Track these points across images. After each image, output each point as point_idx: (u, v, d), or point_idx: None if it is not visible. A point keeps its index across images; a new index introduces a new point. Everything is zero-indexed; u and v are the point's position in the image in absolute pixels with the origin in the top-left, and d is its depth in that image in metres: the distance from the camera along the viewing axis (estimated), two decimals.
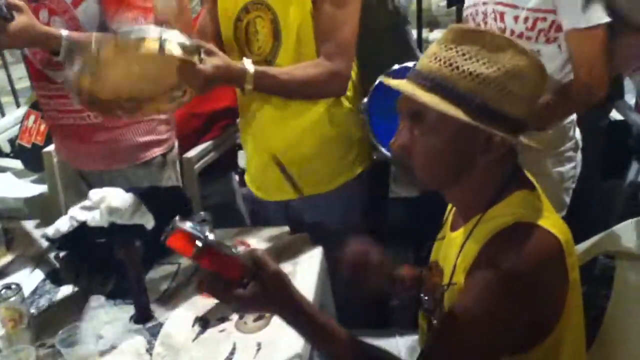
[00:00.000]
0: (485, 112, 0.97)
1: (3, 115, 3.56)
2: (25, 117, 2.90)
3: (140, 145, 1.77)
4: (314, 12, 1.52)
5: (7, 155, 3.23)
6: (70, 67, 1.32)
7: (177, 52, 1.26)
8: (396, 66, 1.65)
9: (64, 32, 1.49)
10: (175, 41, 1.26)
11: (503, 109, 0.98)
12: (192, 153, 2.15)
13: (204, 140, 2.25)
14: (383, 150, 1.69)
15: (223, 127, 2.30)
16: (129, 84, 1.34)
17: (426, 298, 1.17)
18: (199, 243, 0.88)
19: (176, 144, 1.90)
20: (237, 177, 2.55)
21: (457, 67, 0.98)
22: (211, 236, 0.90)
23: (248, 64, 1.43)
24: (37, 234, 1.77)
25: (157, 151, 1.81)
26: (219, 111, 2.26)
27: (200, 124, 2.25)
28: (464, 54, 0.98)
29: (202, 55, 1.33)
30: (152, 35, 1.25)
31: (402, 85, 1.02)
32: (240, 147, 2.55)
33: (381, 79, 1.23)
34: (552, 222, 1.00)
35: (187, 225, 0.90)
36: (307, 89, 1.53)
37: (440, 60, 1.00)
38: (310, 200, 1.73)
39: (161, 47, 1.24)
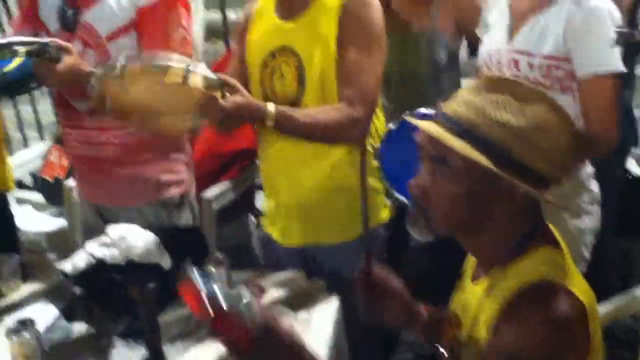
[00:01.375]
0: (510, 162, 0.96)
1: (27, 147, 3.63)
2: (49, 151, 2.95)
3: (158, 183, 1.79)
4: (338, 57, 1.54)
5: (28, 188, 3.27)
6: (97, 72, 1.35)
7: (200, 84, 1.29)
8: (423, 110, 1.65)
9: (98, 69, 1.52)
10: (200, 74, 1.29)
11: (528, 161, 0.97)
12: (210, 193, 2.17)
13: (222, 181, 2.27)
14: (398, 196, 1.68)
15: (242, 168, 2.32)
16: (147, 103, 1.36)
17: (443, 351, 1.14)
18: (207, 305, 0.87)
19: (194, 184, 1.91)
20: (253, 219, 2.56)
21: (486, 115, 0.97)
22: (220, 289, 0.88)
23: (270, 104, 1.46)
24: (54, 267, 1.78)
25: (175, 191, 1.82)
26: (238, 152, 2.28)
27: (219, 164, 2.28)
28: (494, 102, 0.98)
29: (225, 92, 1.36)
30: (177, 64, 1.28)
31: (431, 127, 1.00)
32: (258, 189, 2.57)
33: (406, 117, 1.21)
34: (577, 284, 0.98)
35: (198, 280, 0.89)
36: (325, 132, 1.54)
37: (469, 106, 0.99)
38: (328, 247, 1.71)
39: (185, 77, 1.26)
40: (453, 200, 1.01)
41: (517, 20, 1.63)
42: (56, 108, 1.82)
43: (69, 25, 1.68)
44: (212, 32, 4.16)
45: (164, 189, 1.80)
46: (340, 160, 1.66)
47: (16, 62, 1.53)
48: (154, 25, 1.63)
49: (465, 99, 1.01)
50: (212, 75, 1.32)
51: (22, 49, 1.43)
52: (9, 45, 1.42)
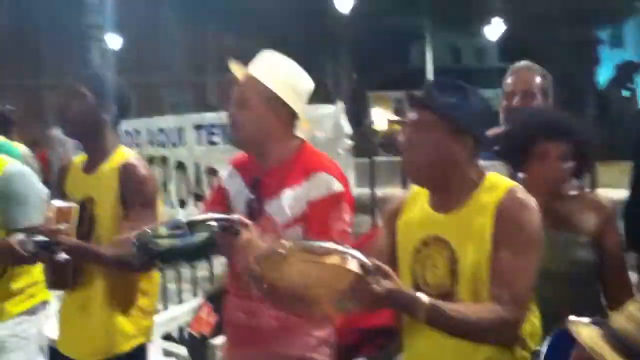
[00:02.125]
0: None
1: (180, 302, 3.88)
2: (200, 307, 3.14)
3: (298, 358, 1.83)
4: (492, 256, 1.53)
5: (175, 341, 3.46)
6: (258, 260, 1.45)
7: (356, 269, 1.34)
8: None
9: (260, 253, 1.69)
10: (357, 258, 1.34)
11: None
12: None
13: (358, 356, 2.24)
14: None
15: (381, 346, 2.29)
16: (302, 283, 1.41)
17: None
18: None
19: None
20: None
21: None
22: None
23: (423, 296, 1.45)
24: None
25: None
26: (377, 329, 2.27)
27: (358, 339, 2.27)
28: None
29: (378, 276, 1.38)
30: (337, 249, 1.35)
31: (592, 341, 0.98)
32: None
33: (570, 325, 1.16)
34: None
35: None
36: (475, 332, 1.50)
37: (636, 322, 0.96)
38: None
39: (344, 260, 1.32)
40: None
41: None
42: (228, 278, 1.99)
43: (254, 214, 1.88)
44: (358, 207, 4.40)
45: None
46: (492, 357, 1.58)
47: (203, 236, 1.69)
48: (319, 216, 1.80)
49: (633, 313, 0.98)
50: (367, 260, 1.36)
51: (215, 225, 1.63)
52: (205, 221, 1.64)
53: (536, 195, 1.96)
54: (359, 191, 3.42)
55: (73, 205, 2.08)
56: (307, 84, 1.94)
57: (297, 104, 1.89)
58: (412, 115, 1.63)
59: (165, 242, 1.64)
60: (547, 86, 2.36)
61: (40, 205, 2.23)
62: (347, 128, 3.07)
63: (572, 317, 1.34)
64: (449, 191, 1.63)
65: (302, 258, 1.32)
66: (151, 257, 1.71)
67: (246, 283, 1.87)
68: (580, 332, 0.99)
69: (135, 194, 2.06)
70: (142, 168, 2.13)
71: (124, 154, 2.14)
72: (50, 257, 1.98)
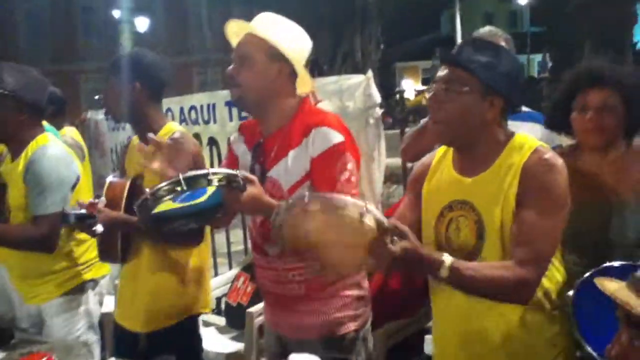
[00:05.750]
0: None
1: (216, 274, 3.97)
2: (236, 278, 3.22)
3: (336, 319, 1.87)
4: (516, 215, 1.54)
5: (213, 312, 3.55)
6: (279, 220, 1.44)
7: (373, 225, 1.32)
8: (616, 263, 1.57)
9: (282, 203, 1.71)
10: (374, 215, 1.33)
11: None
12: (383, 330, 2.19)
13: (399, 319, 2.28)
14: (589, 349, 1.56)
15: (417, 308, 2.33)
16: (319, 239, 1.41)
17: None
18: None
19: (369, 320, 1.96)
20: None
21: None
22: None
23: (446, 256, 1.45)
24: None
25: (351, 326, 1.89)
26: (415, 291, 2.29)
27: (398, 302, 2.30)
28: None
29: (395, 237, 1.37)
30: (355, 202, 1.34)
31: (619, 293, 0.98)
32: (427, 332, 2.54)
33: (595, 280, 1.16)
34: None
35: None
36: (491, 290, 1.51)
37: None
38: None
39: (361, 217, 1.31)
40: None
41: None
42: (252, 251, 2.03)
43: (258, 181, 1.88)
44: (389, 177, 4.39)
45: (341, 325, 1.88)
46: (514, 317, 1.60)
47: (208, 193, 1.67)
48: (323, 171, 1.80)
49: None
50: (384, 218, 1.36)
51: (215, 178, 1.59)
52: (206, 175, 1.59)
53: (588, 156, 1.91)
54: (390, 161, 3.41)
55: (123, 180, 2.16)
56: (307, 43, 1.92)
57: (298, 60, 1.88)
58: (442, 72, 1.61)
59: (162, 205, 1.60)
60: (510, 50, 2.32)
61: (61, 191, 2.29)
62: (377, 98, 3.05)
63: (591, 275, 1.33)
64: (476, 152, 1.63)
65: (322, 208, 1.33)
66: (150, 221, 1.67)
67: (269, 256, 1.92)
68: (605, 286, 1.00)
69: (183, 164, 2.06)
70: (189, 140, 2.19)
71: (171, 129, 2.20)
72: (87, 229, 2.06)
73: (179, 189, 1.56)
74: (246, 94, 1.88)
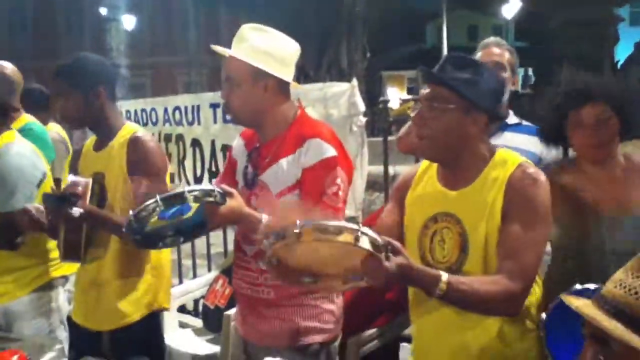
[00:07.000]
0: None
1: (195, 276, 3.95)
2: (215, 280, 3.21)
3: (301, 329, 1.87)
4: (502, 228, 1.55)
5: (190, 313, 3.54)
6: (268, 239, 1.43)
7: (368, 247, 1.33)
8: (578, 286, 1.60)
9: (264, 217, 1.73)
10: (369, 236, 1.33)
11: None
12: (356, 339, 2.19)
13: (370, 328, 2.29)
14: None
15: (391, 317, 2.34)
16: (314, 260, 1.43)
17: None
18: None
19: (339, 334, 1.96)
20: None
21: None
22: None
23: (443, 273, 1.45)
24: None
25: (316, 338, 1.89)
26: (389, 301, 2.32)
27: (369, 311, 2.32)
28: None
29: (389, 253, 1.37)
30: (349, 227, 1.34)
31: (584, 307, 1.01)
32: (403, 340, 2.55)
33: (562, 297, 1.20)
34: None
35: None
36: (483, 304, 1.52)
37: (625, 287, 1.00)
38: None
39: (356, 239, 1.31)
40: None
41: None
42: (234, 249, 2.04)
43: (249, 184, 1.95)
44: (371, 184, 4.41)
45: (305, 335, 1.88)
46: (496, 331, 1.62)
47: (194, 209, 1.71)
48: (312, 182, 1.83)
49: (622, 280, 1.01)
50: (378, 237, 1.36)
51: (190, 196, 1.63)
52: (181, 193, 1.63)
53: (589, 167, 1.92)
54: (372, 169, 3.43)
55: (86, 179, 2.14)
56: (291, 47, 1.94)
57: (283, 70, 1.90)
58: (425, 90, 1.64)
59: (152, 222, 1.66)
60: (514, 62, 2.37)
61: (26, 188, 2.27)
62: (361, 106, 3.07)
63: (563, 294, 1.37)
64: (460, 167, 1.65)
65: (315, 237, 1.32)
66: (142, 239, 1.72)
67: (246, 255, 1.93)
68: (572, 303, 1.03)
69: (140, 163, 2.10)
70: (149, 140, 2.18)
71: (131, 129, 2.20)
72: (67, 211, 2.00)
73: (158, 209, 1.63)
74: (238, 115, 1.95)
